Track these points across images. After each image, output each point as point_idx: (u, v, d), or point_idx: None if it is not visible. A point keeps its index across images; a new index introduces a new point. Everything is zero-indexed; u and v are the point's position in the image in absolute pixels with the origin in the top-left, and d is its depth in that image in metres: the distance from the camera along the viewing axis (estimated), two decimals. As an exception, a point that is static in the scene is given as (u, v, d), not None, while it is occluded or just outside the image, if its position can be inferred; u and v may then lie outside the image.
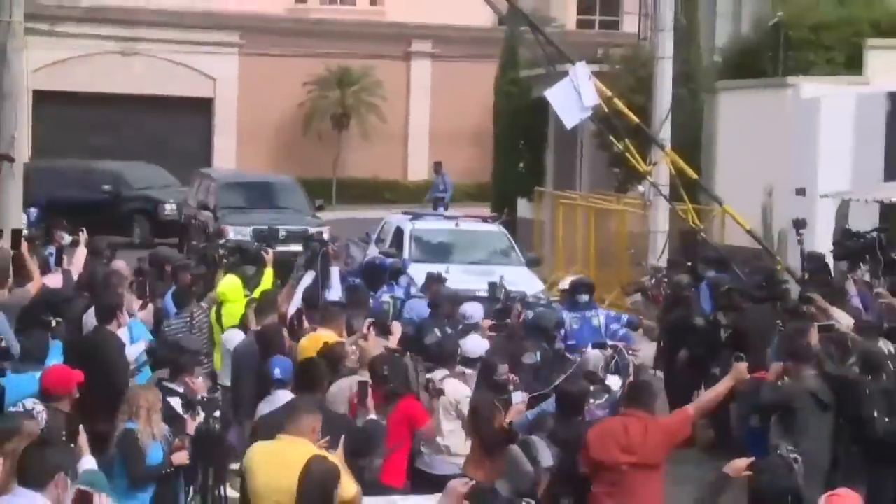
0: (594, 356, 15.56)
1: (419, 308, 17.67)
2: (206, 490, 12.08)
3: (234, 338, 15.47)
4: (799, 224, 21.18)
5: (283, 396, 12.15)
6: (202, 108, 50.02)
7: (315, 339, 14.35)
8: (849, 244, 22.23)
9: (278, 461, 9.93)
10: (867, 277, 19.68)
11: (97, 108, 47.12)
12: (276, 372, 12.67)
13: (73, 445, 9.59)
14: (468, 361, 14.24)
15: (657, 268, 24.36)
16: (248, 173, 41.38)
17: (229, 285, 17.47)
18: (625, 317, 18.99)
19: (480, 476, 10.93)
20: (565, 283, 19.94)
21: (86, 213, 32.96)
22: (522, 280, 23.65)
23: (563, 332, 17.04)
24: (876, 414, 13.80)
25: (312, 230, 27.80)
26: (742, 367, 11.02)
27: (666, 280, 21.75)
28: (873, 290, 18.03)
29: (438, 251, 25.41)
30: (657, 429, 11.63)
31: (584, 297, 18.28)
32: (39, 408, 11.05)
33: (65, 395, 10.95)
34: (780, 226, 26.95)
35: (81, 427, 9.99)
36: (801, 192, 26.58)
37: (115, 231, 35.23)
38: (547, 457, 10.36)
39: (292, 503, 9.63)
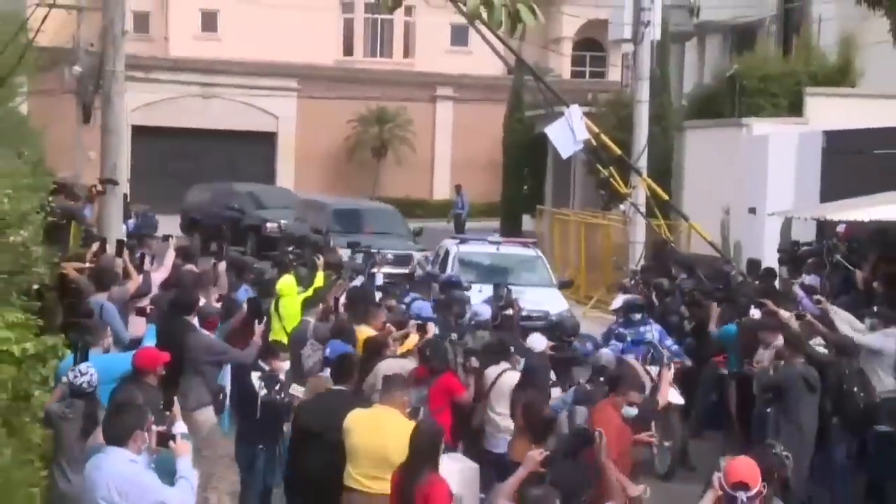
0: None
1: (424, 309, 16.32)
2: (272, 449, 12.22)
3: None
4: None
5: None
6: (267, 140, 49.98)
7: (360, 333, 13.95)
8: (797, 252, 22.37)
9: (373, 425, 9.92)
10: (808, 282, 19.68)
11: (182, 140, 47.24)
12: (328, 351, 12.78)
13: (167, 413, 9.35)
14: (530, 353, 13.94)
15: (635, 271, 24.32)
16: (356, 201, 37.41)
17: (285, 283, 17.24)
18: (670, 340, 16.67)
19: None
20: (617, 303, 18.44)
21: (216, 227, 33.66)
22: (548, 300, 22.09)
23: (620, 345, 15.88)
24: (855, 389, 13.78)
25: (415, 254, 27.78)
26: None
27: (642, 281, 21.79)
28: (815, 296, 17.93)
29: (478, 272, 23.15)
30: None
31: (636, 316, 16.72)
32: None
33: (151, 371, 10.77)
34: (736, 238, 26.96)
35: (176, 398, 9.75)
36: (752, 210, 26.53)
37: (235, 243, 32.94)
38: None
39: (381, 460, 9.67)
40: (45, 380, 9.72)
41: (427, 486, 8.79)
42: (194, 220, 37.24)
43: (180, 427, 9.23)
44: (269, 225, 35.98)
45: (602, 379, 13.00)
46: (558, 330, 15.51)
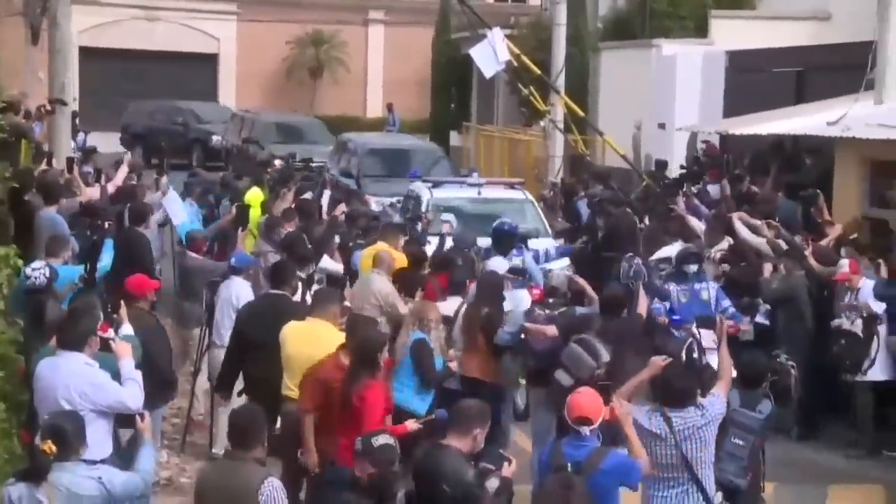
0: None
1: None
2: None
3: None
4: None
5: (237, 281, 11.91)
6: (209, 61, 49.41)
7: (372, 249, 13.30)
8: (695, 166, 22.64)
9: (305, 337, 9.68)
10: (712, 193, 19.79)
11: (128, 61, 46.54)
12: (233, 261, 12.37)
13: (115, 314, 9.36)
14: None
15: (554, 183, 24.56)
16: (390, 139, 31.34)
17: (252, 193, 17.36)
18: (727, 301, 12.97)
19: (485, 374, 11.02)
20: (664, 253, 14.30)
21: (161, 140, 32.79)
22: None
23: (667, 305, 12.62)
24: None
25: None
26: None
27: (561, 191, 22.03)
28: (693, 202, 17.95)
29: (462, 223, 16.38)
30: None
31: (693, 268, 12.89)
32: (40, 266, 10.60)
33: (142, 297, 10.50)
34: (646, 152, 27.10)
35: (122, 303, 9.60)
36: (661, 126, 26.70)
37: (181, 156, 33.36)
38: (604, 352, 9.72)
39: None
40: (0, 286, 9.67)
41: (364, 389, 8.66)
42: (136, 136, 37.15)
43: (127, 329, 9.20)
44: (214, 138, 36.11)
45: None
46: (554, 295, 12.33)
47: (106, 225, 13.86)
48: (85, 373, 7.90)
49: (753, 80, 24.35)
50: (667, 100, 26.81)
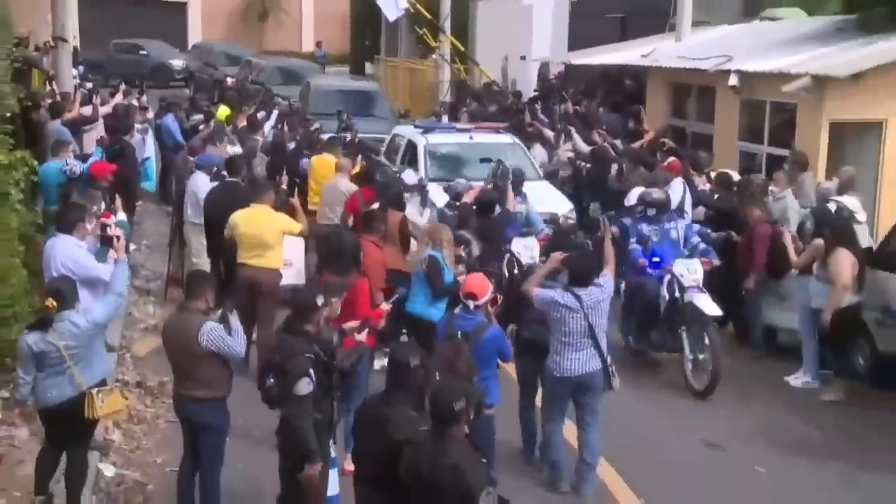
0: (407, 175, 12.46)
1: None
2: None
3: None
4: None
5: (199, 175, 11.60)
6: (180, 7, 47.83)
7: (319, 157, 12.89)
8: (542, 87, 22.70)
9: (251, 219, 9.64)
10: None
11: (116, 6, 44.57)
12: (197, 160, 12.13)
13: (112, 205, 9.42)
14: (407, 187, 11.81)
15: (443, 102, 24.41)
16: (341, 80, 26.33)
17: (222, 109, 17.22)
18: (696, 226, 10.70)
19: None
20: (631, 199, 10.95)
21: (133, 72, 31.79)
22: (549, 198, 13.13)
23: (645, 247, 10.21)
24: None
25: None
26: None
27: (448, 107, 21.92)
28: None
29: (455, 167, 13.86)
30: None
31: (652, 212, 10.24)
32: (73, 161, 10.92)
33: (102, 179, 10.40)
34: (512, 77, 26.98)
35: (118, 195, 9.76)
36: (523, 58, 26.61)
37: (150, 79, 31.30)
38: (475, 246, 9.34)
39: (259, 244, 9.48)
40: (17, 182, 9.38)
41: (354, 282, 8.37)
42: (97, 65, 36.05)
43: (121, 216, 9.35)
44: (174, 63, 36.32)
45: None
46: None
47: (99, 137, 13.65)
48: (71, 251, 7.86)
49: (590, 23, 24.34)
50: (526, 39, 26.65)
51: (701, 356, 9.62)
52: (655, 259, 10.03)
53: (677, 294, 9.80)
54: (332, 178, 12.06)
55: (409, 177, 12.50)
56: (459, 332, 6.91)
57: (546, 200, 12.82)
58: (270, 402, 6.16)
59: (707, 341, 9.54)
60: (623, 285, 10.23)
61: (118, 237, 7.44)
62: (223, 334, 6.46)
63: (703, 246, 10.24)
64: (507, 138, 14.77)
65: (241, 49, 35.72)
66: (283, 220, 9.80)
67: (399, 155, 14.70)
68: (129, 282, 7.82)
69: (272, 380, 6.09)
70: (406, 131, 15.33)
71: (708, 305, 9.63)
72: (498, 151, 13.68)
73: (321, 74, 24.66)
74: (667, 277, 9.88)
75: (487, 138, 14.52)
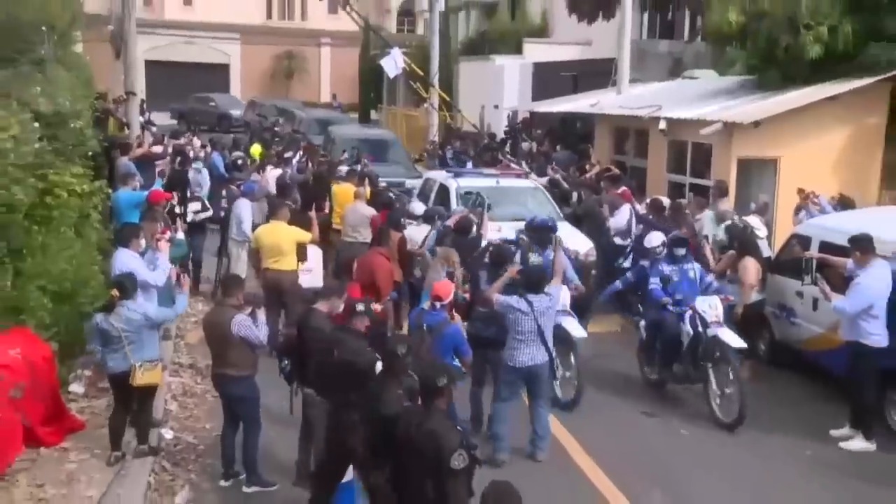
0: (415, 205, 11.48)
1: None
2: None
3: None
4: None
5: (243, 201, 11.27)
6: (224, 69, 47.75)
7: (340, 186, 12.54)
8: (509, 130, 22.73)
9: (271, 232, 9.58)
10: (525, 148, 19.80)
11: (173, 69, 44.28)
12: (243, 188, 11.76)
13: (173, 225, 9.42)
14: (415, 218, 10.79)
15: (432, 141, 24.40)
16: (358, 129, 24.70)
17: (254, 147, 17.11)
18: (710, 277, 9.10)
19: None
20: (653, 241, 9.18)
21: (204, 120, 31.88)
22: (569, 237, 10.99)
23: (666, 287, 8.82)
24: None
25: (408, 182, 16.61)
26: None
27: (437, 147, 21.91)
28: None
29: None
30: None
31: (681, 251, 8.93)
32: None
33: (157, 204, 9.99)
34: (487, 122, 27.00)
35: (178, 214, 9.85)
36: (496, 107, 26.75)
37: (217, 126, 31.79)
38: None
39: (278, 251, 9.41)
40: (96, 206, 9.40)
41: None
42: (181, 114, 36.22)
43: (179, 235, 9.61)
44: (233, 114, 35.79)
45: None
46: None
47: (159, 170, 13.53)
48: (128, 260, 7.80)
49: (549, 80, 24.46)
50: (498, 92, 26.78)
51: (728, 390, 8.20)
52: (678, 297, 8.73)
53: (700, 329, 8.49)
54: (351, 202, 11.89)
55: (417, 207, 11.95)
56: (426, 325, 6.87)
57: (566, 239, 10.44)
58: (289, 379, 6.34)
59: (732, 376, 8.14)
60: (642, 322, 9.06)
61: (183, 280, 7.34)
62: (251, 325, 6.45)
63: (716, 284, 8.97)
64: (529, 183, 13.01)
65: (287, 103, 35.45)
66: (295, 231, 9.65)
67: (432, 196, 12.86)
68: (186, 305, 7.70)
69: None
70: (438, 176, 13.51)
71: (732, 339, 8.24)
72: (521, 194, 12.42)
73: (342, 125, 24.36)
74: (688, 314, 8.59)
75: (512, 182, 12.86)
